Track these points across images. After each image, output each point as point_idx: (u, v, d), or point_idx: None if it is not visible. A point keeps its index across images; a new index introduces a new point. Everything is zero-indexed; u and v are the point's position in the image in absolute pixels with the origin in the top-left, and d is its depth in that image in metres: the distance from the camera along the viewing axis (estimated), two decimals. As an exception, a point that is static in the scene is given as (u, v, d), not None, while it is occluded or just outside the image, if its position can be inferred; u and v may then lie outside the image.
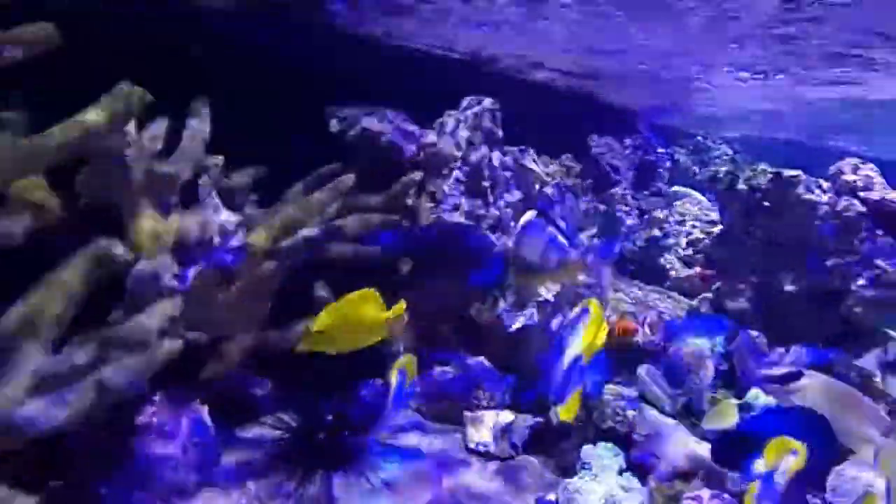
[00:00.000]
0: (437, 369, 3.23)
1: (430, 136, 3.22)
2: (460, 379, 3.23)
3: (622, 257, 4.93)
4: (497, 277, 2.96)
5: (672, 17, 3.30)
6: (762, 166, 3.88)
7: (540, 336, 3.35)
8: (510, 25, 3.78)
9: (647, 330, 3.45)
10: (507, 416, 3.11)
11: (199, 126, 2.23)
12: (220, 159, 2.29)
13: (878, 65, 3.83)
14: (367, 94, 3.18)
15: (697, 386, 3.22)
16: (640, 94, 5.55)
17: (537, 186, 3.68)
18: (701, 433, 3.09)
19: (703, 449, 2.92)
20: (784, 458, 1.93)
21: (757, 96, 5.38)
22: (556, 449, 3.12)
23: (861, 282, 3.45)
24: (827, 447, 2.34)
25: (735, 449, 2.47)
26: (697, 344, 3.38)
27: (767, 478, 1.91)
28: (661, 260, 4.85)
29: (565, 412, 1.91)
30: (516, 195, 3.61)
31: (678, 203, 5.22)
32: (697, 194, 5.42)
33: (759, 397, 3.15)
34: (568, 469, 2.95)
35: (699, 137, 6.54)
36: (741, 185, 3.83)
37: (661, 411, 3.18)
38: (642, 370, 3.30)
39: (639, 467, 2.91)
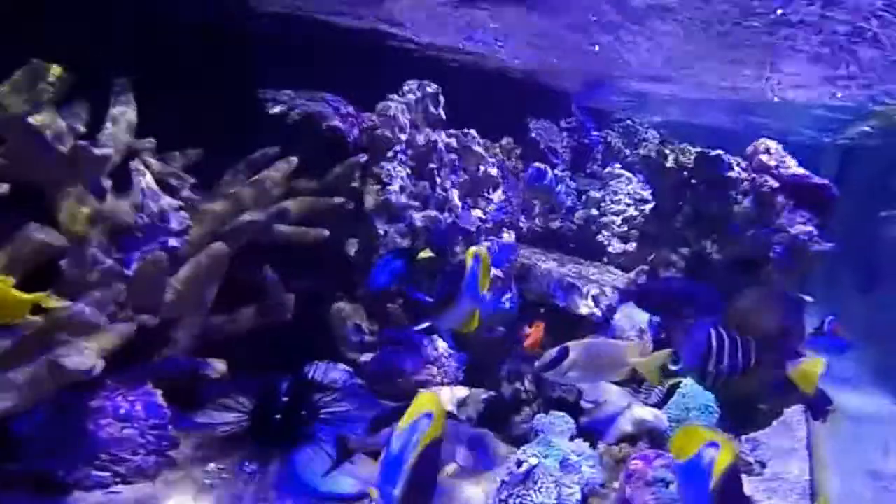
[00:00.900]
0: (390, 348, 3.14)
1: (374, 120, 3.10)
2: (413, 357, 3.13)
3: (562, 236, 4.86)
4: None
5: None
6: (688, 146, 3.94)
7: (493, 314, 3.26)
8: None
9: (590, 302, 3.38)
10: (461, 391, 3.04)
11: (124, 108, 2.07)
12: (152, 142, 2.13)
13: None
14: (305, 77, 3.05)
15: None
16: (573, 75, 5.51)
17: (481, 168, 3.58)
18: (643, 398, 3.13)
19: (647, 413, 2.98)
20: None
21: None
22: (509, 420, 3.12)
23: (778, 250, 3.54)
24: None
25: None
26: (637, 314, 3.37)
27: None
28: (599, 237, 4.77)
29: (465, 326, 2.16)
30: (461, 176, 3.53)
31: (612, 183, 5.17)
32: (629, 174, 5.42)
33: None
34: (521, 439, 2.93)
35: (629, 121, 6.53)
36: (670, 164, 3.88)
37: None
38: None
39: (589, 433, 2.93)
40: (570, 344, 2.33)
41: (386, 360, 3.12)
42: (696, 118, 7.94)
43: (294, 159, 2.49)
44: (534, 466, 2.44)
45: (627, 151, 6.37)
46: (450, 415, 2.85)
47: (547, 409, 3.08)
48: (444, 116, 3.52)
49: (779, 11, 3.15)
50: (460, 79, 4.60)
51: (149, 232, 1.99)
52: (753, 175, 3.67)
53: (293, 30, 3.67)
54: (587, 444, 2.84)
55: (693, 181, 3.79)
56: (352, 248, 3.16)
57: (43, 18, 2.38)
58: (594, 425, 2.98)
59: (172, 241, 2.04)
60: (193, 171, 2.47)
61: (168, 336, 2.10)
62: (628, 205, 4.93)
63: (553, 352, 2.33)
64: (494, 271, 3.29)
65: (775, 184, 3.59)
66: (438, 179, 3.38)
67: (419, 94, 3.42)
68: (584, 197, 5.13)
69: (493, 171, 3.71)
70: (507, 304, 3.35)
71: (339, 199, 2.82)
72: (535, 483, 2.46)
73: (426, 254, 2.85)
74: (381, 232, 3.14)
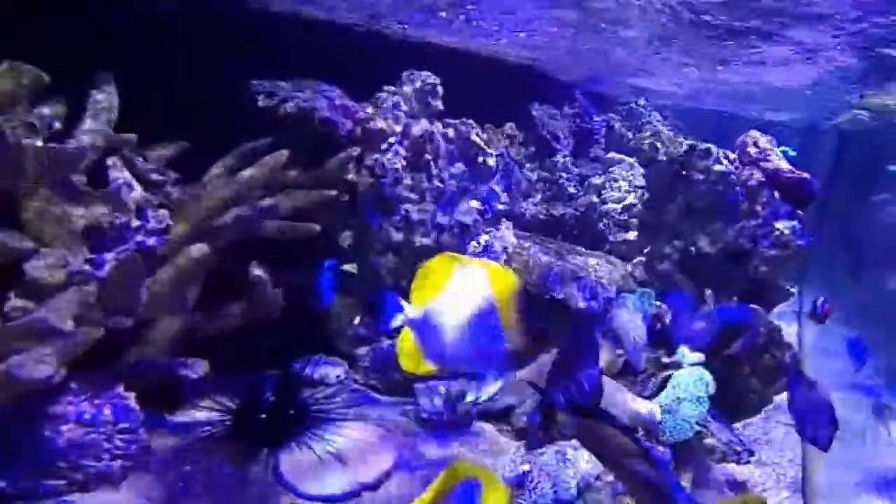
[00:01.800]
0: (386, 342, 3.03)
1: (368, 111, 2.95)
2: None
3: (565, 223, 4.73)
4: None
5: None
6: (680, 138, 3.90)
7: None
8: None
9: (588, 295, 3.30)
10: (458, 386, 2.93)
11: (104, 101, 1.93)
12: (132, 137, 2.00)
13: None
14: (300, 69, 2.91)
15: (635, 346, 3.09)
16: (577, 65, 5.37)
17: (480, 158, 3.43)
18: (637, 390, 3.07)
19: (641, 406, 2.92)
20: None
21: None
22: (509, 413, 2.98)
23: (765, 242, 3.54)
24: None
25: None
26: (632, 306, 3.24)
27: None
28: (601, 225, 4.63)
29: None
30: (459, 167, 3.38)
31: (613, 169, 5.01)
32: (630, 160, 5.24)
33: (686, 354, 3.17)
34: (521, 431, 2.86)
35: (632, 104, 6.31)
36: (661, 157, 3.81)
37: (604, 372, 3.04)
38: None
39: None
40: None
41: (382, 353, 3.03)
42: (700, 102, 7.76)
43: (284, 152, 2.35)
44: (527, 472, 2.40)
45: (630, 135, 6.21)
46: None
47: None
48: (441, 107, 3.37)
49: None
50: (461, 66, 4.44)
51: (125, 231, 1.85)
52: (742, 168, 3.63)
53: (291, 20, 3.51)
54: None
55: (683, 173, 3.73)
56: (346, 241, 3.05)
57: (27, 11, 2.25)
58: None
59: (150, 241, 1.91)
60: (181, 164, 2.33)
61: (144, 337, 1.97)
62: (628, 192, 4.80)
63: None
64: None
65: (762, 177, 3.57)
66: (435, 171, 3.24)
67: (417, 84, 3.28)
68: (585, 183, 4.99)
69: (492, 162, 3.56)
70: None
71: (331, 193, 2.68)
72: (531, 483, 2.44)
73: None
74: (376, 225, 3.03)
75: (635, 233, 4.35)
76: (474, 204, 3.39)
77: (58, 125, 1.78)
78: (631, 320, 3.15)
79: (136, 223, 1.88)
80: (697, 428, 2.97)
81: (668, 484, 1.57)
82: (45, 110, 1.78)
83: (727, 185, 3.58)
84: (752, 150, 3.63)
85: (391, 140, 3.02)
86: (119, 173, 1.87)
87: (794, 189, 3.56)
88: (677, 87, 6.31)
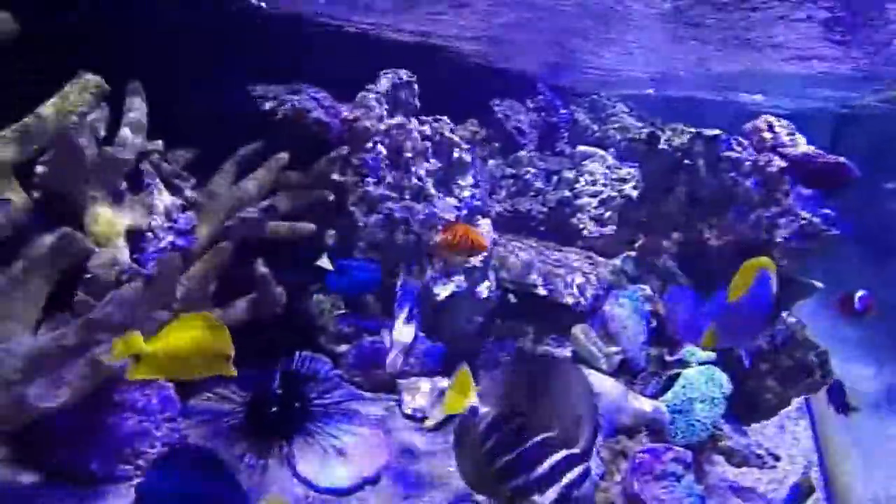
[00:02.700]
0: (368, 339, 3.44)
1: (354, 112, 3.42)
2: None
3: (532, 218, 5.11)
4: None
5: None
6: (681, 126, 4.12)
7: (469, 303, 3.62)
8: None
9: (575, 291, 3.67)
10: (441, 382, 3.35)
11: (137, 108, 2.37)
12: (160, 144, 2.45)
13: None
14: (281, 70, 3.35)
15: (633, 343, 3.44)
16: (536, 56, 5.83)
17: (456, 154, 3.92)
18: (639, 389, 3.35)
19: (645, 405, 3.19)
20: None
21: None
22: None
23: (785, 233, 3.64)
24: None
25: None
26: (627, 302, 3.59)
27: None
28: (574, 220, 4.92)
29: None
30: (435, 164, 3.87)
31: (585, 163, 5.30)
32: (602, 152, 5.43)
33: (696, 353, 3.40)
34: None
35: (594, 96, 6.64)
36: (662, 145, 4.06)
37: (598, 370, 3.38)
38: (577, 330, 3.50)
39: None
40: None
41: (363, 351, 3.41)
42: (667, 90, 8.10)
43: (285, 156, 2.81)
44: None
45: (595, 128, 6.66)
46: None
47: None
48: (418, 104, 3.85)
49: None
50: (424, 63, 4.84)
51: (159, 233, 2.31)
52: (756, 154, 3.80)
53: (267, 22, 3.93)
54: None
55: (687, 163, 3.95)
56: (330, 239, 3.51)
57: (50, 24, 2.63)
58: None
59: (180, 241, 2.37)
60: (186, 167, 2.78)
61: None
62: (604, 185, 5.03)
63: None
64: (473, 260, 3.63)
65: (782, 163, 3.70)
66: (414, 168, 3.71)
67: (395, 82, 3.75)
68: (554, 178, 5.36)
69: (468, 158, 4.03)
70: (486, 294, 3.64)
71: (323, 192, 3.15)
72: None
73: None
74: (361, 224, 3.50)
75: (613, 227, 4.65)
76: (452, 200, 3.88)
77: (103, 132, 2.22)
78: (625, 317, 3.47)
79: (167, 224, 2.34)
80: (711, 430, 3.16)
81: None
82: (94, 117, 2.21)
83: (740, 172, 3.76)
84: (767, 135, 3.77)
85: (375, 139, 3.51)
86: (152, 178, 2.32)
87: (829, 174, 3.62)
88: (647, 72, 6.66)
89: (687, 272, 3.93)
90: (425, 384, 3.37)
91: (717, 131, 3.90)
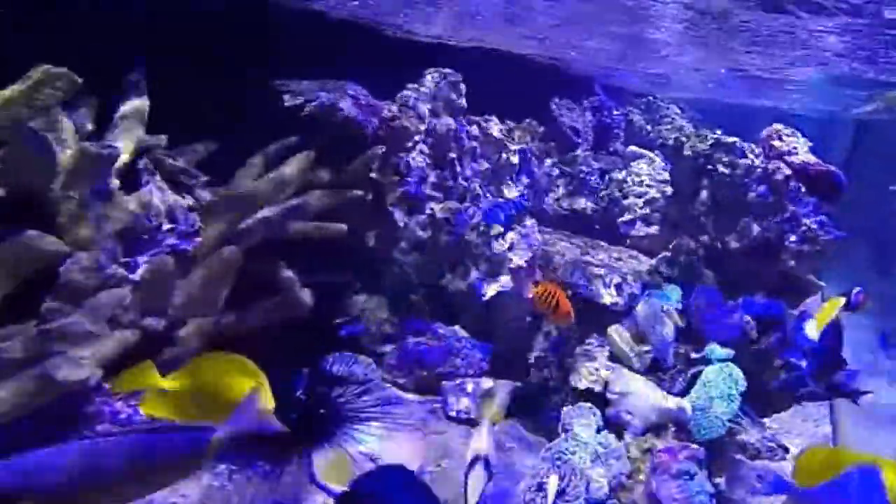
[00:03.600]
0: (412, 340, 3.05)
1: (393, 110, 2.94)
2: (436, 348, 3.04)
3: (587, 218, 4.67)
4: None
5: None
6: (705, 132, 3.85)
7: (515, 302, 3.15)
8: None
9: (613, 291, 3.25)
10: (486, 383, 2.99)
11: (135, 102, 1.92)
12: (163, 138, 1.99)
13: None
14: (325, 70, 2.90)
15: (662, 342, 3.13)
16: (594, 57, 5.31)
17: (503, 155, 3.40)
18: (667, 387, 3.07)
19: (671, 403, 2.93)
20: None
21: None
22: (536, 412, 3.02)
23: (793, 237, 3.51)
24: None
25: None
26: (657, 302, 3.29)
27: None
28: (622, 219, 4.49)
29: None
30: (483, 164, 3.38)
31: (634, 163, 4.90)
32: (651, 154, 5.18)
33: (716, 350, 3.15)
34: (549, 429, 2.89)
35: (650, 97, 6.23)
36: (687, 151, 3.77)
37: (631, 368, 3.08)
38: (612, 330, 3.17)
39: (615, 425, 2.88)
40: None
41: (408, 351, 3.03)
42: (719, 95, 7.70)
43: (311, 153, 2.34)
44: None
45: (649, 128, 6.18)
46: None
47: (573, 398, 3.00)
48: (464, 104, 3.35)
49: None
50: (481, 63, 4.41)
51: (157, 234, 1.85)
52: (767, 162, 3.59)
53: (316, 20, 3.50)
54: (613, 435, 2.82)
55: (709, 167, 3.71)
56: (371, 240, 3.04)
57: (53, 9, 2.24)
58: (619, 416, 2.89)
59: (182, 243, 1.90)
60: (209, 164, 2.33)
61: (176, 338, 1.96)
62: (650, 186, 4.68)
63: None
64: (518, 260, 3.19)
65: (788, 171, 3.52)
66: (459, 169, 3.23)
67: (440, 82, 3.26)
68: (606, 178, 4.96)
69: (515, 159, 3.54)
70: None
71: (357, 192, 2.67)
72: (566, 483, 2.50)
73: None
74: (401, 224, 3.01)
75: (657, 227, 4.29)
76: (499, 200, 3.37)
77: (90, 127, 1.77)
78: (657, 316, 3.17)
79: (167, 226, 1.87)
80: (729, 425, 2.95)
81: None
82: (77, 112, 1.77)
83: (752, 179, 3.54)
84: (776, 143, 3.59)
85: (416, 138, 3.01)
86: (150, 176, 1.86)
87: (821, 182, 3.52)
88: (702, 75, 6.24)
89: (713, 273, 3.68)
90: (470, 385, 2.98)
91: (734, 138, 3.66)
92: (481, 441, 2.19)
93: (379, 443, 2.53)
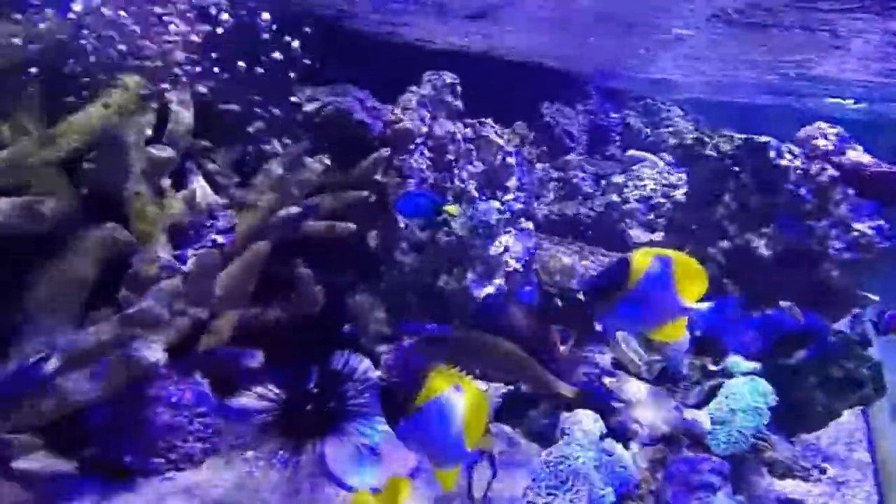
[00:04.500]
0: (407, 341, 3.46)
1: (396, 113, 3.50)
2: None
3: (579, 223, 5.14)
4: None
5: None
6: (729, 132, 4.07)
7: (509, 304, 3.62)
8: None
9: None
10: (479, 385, 3.25)
11: (183, 108, 2.48)
12: (205, 143, 2.55)
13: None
14: (328, 75, 3.44)
15: (674, 352, 3.41)
16: (589, 59, 5.77)
17: (499, 157, 3.97)
18: (680, 398, 3.33)
19: (685, 414, 3.17)
20: None
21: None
22: (527, 416, 3.31)
23: (838, 245, 3.61)
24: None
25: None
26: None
27: None
28: (622, 225, 5.03)
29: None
30: (479, 167, 3.92)
31: (636, 167, 5.45)
32: (654, 157, 5.63)
33: (741, 363, 3.39)
34: (540, 435, 3.17)
35: (648, 100, 6.78)
36: (709, 151, 4.01)
37: (639, 377, 3.38)
38: (618, 336, 3.50)
39: (620, 434, 3.08)
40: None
41: (404, 353, 3.42)
42: (723, 95, 8.02)
43: (325, 157, 2.90)
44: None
45: (648, 132, 6.65)
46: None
47: (569, 406, 3.18)
48: (461, 106, 3.90)
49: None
50: (471, 66, 4.81)
51: (200, 230, 2.41)
52: (808, 163, 3.76)
53: (317, 25, 4.03)
54: (619, 444, 2.99)
55: (736, 170, 3.89)
56: (373, 241, 3.59)
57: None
58: (626, 424, 3.11)
59: (220, 239, 2.46)
60: (234, 165, 2.88)
61: (212, 327, 2.51)
62: (654, 191, 5.15)
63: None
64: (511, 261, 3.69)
65: (834, 172, 3.67)
66: (456, 170, 3.78)
67: (438, 85, 3.81)
68: (603, 182, 5.42)
69: (511, 160, 4.08)
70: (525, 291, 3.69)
71: (363, 193, 3.22)
72: (569, 487, 2.65)
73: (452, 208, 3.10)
74: (402, 225, 3.57)
75: (661, 233, 4.67)
76: (494, 203, 3.92)
77: (149, 132, 2.32)
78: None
79: (208, 222, 2.43)
80: (753, 441, 3.13)
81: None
82: (141, 117, 2.32)
83: (791, 181, 3.70)
84: (821, 143, 3.73)
85: (417, 141, 3.58)
86: (196, 176, 2.42)
87: (880, 184, 3.61)
88: (704, 76, 6.57)
89: (734, 281, 3.88)
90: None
91: (767, 138, 3.83)
92: (486, 438, 2.38)
93: (381, 437, 2.91)
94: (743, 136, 3.94)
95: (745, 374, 3.34)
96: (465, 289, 3.62)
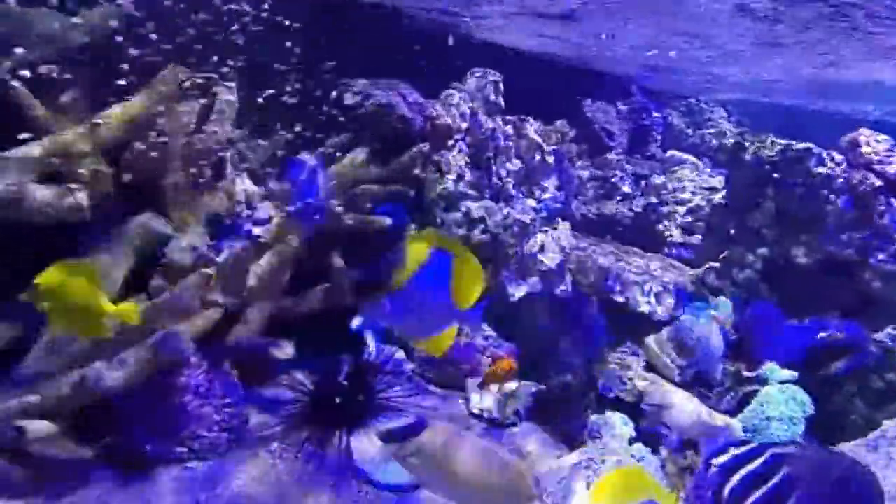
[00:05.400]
0: None
1: (437, 108, 3.49)
2: (464, 346, 3.43)
3: (617, 223, 5.11)
4: None
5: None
6: (770, 137, 4.00)
7: (544, 305, 3.62)
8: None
9: (652, 300, 3.68)
10: (510, 384, 3.28)
11: (226, 100, 2.48)
12: (244, 133, 2.55)
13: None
14: (376, 68, 3.43)
15: (709, 356, 3.38)
16: (632, 57, 5.67)
17: (537, 156, 3.94)
18: (713, 404, 3.27)
19: (717, 419, 3.10)
20: None
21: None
22: (559, 417, 3.29)
23: (881, 256, 3.57)
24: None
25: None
26: (706, 314, 3.52)
27: None
28: (660, 227, 4.98)
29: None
30: (516, 164, 3.90)
31: (675, 168, 5.41)
32: (694, 159, 5.57)
33: (776, 371, 3.35)
34: (570, 437, 3.17)
35: (692, 100, 6.69)
36: (748, 156, 3.97)
37: (672, 381, 3.35)
38: (650, 340, 3.50)
39: (650, 437, 3.09)
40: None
41: None
42: (772, 97, 7.64)
43: (364, 151, 2.89)
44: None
45: (690, 132, 6.57)
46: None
47: (601, 407, 3.29)
48: (502, 104, 3.91)
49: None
50: (515, 64, 4.85)
51: (238, 221, 2.41)
52: (851, 171, 3.70)
53: (364, 19, 4.04)
54: (648, 449, 3.03)
55: (776, 176, 3.84)
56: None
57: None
58: (656, 429, 3.10)
59: (257, 230, 2.46)
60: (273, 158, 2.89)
61: (246, 318, 2.52)
62: (693, 193, 5.10)
63: None
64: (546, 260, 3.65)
65: (877, 182, 3.62)
66: (494, 168, 3.77)
67: (481, 82, 3.82)
68: (643, 183, 5.39)
69: (550, 159, 4.06)
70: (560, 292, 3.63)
71: (402, 188, 3.22)
72: None
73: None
74: (439, 221, 3.56)
75: (700, 237, 4.61)
76: (531, 202, 3.90)
77: (193, 123, 2.33)
78: (704, 328, 3.38)
79: (246, 213, 2.44)
80: None
81: None
82: (186, 108, 2.32)
83: (832, 189, 3.66)
84: (865, 150, 3.67)
85: (457, 137, 3.56)
86: (236, 167, 2.42)
87: None
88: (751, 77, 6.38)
89: (772, 288, 3.85)
90: (494, 384, 3.32)
91: (808, 144, 3.77)
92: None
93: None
94: (784, 141, 3.89)
95: (781, 382, 3.30)
96: (499, 286, 3.59)
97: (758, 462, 1.82)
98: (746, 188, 3.99)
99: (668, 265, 4.28)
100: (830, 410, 3.41)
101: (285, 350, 2.71)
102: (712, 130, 6.62)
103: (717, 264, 4.01)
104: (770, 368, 3.37)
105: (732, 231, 4.12)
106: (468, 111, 3.67)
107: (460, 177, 3.57)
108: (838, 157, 3.79)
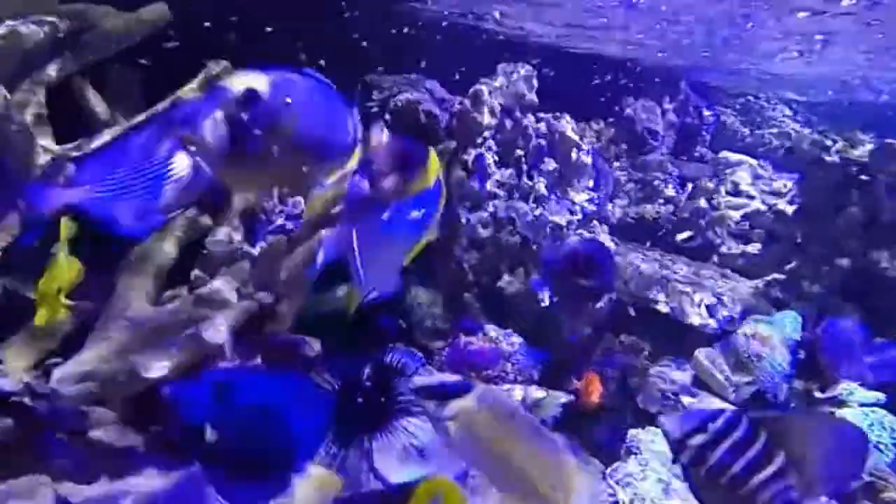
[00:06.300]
0: (464, 339, 3.78)
1: (465, 104, 3.93)
2: (487, 350, 3.75)
3: (660, 227, 5.37)
4: None
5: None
6: (858, 135, 4.14)
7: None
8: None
9: (703, 311, 3.90)
10: (536, 393, 3.54)
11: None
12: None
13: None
14: (407, 63, 3.88)
15: (771, 375, 3.54)
16: (681, 51, 6.09)
17: (574, 155, 4.36)
18: None
19: None
20: None
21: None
22: (589, 429, 3.50)
23: None
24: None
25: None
26: (767, 328, 3.67)
27: None
28: (709, 234, 5.16)
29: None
30: (550, 164, 4.28)
31: (729, 171, 5.61)
32: (752, 161, 5.70)
33: (857, 392, 3.42)
34: (603, 450, 3.35)
35: (749, 97, 7.00)
36: (831, 157, 4.11)
37: (725, 399, 3.52)
38: (701, 354, 3.70)
39: None
40: None
41: (459, 350, 3.75)
42: (845, 93, 8.02)
43: (389, 146, 3.36)
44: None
45: (746, 132, 6.88)
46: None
47: (639, 422, 3.45)
48: (535, 100, 4.30)
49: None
50: (554, 58, 5.18)
51: (271, 214, 2.90)
52: None
53: (394, 14, 4.51)
54: None
55: (867, 179, 3.98)
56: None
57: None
58: None
59: (289, 224, 2.95)
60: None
61: (277, 313, 3.00)
62: (751, 198, 5.31)
63: None
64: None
65: None
66: (525, 167, 4.16)
67: (513, 76, 4.23)
68: (689, 185, 5.66)
69: (587, 159, 4.42)
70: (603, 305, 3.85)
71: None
72: None
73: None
74: (463, 221, 3.96)
75: (758, 245, 4.84)
76: (566, 204, 4.30)
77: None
78: (764, 345, 3.55)
79: (279, 207, 2.93)
80: (869, 479, 3.07)
81: None
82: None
83: None
84: None
85: (485, 134, 4.01)
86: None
87: None
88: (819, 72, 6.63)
89: (853, 302, 3.98)
90: (518, 392, 3.57)
91: None
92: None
93: (428, 437, 3.14)
94: (874, 139, 4.00)
95: (862, 405, 3.39)
96: (528, 290, 3.96)
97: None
98: (825, 192, 4.11)
99: (718, 274, 4.49)
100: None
101: (314, 347, 3.16)
102: (774, 130, 6.92)
103: (782, 275, 4.16)
104: (849, 389, 3.46)
105: (799, 240, 4.28)
106: (497, 107, 4.03)
107: (488, 175, 4.03)
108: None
